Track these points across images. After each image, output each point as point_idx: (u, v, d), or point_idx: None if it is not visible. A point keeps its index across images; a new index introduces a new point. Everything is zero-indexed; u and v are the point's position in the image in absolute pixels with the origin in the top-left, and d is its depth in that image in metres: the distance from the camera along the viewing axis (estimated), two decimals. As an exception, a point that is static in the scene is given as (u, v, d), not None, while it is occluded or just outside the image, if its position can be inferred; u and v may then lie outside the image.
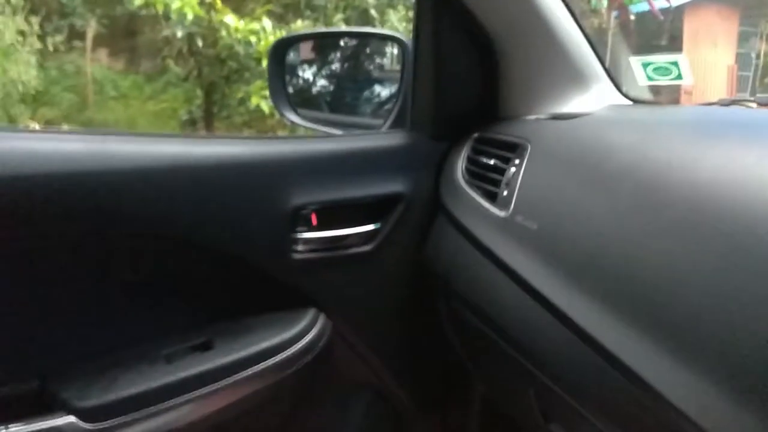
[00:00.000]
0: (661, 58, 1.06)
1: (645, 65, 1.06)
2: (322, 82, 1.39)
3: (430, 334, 1.18)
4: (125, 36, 7.23)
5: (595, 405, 0.74)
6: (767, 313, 0.50)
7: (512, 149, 0.96)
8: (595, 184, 0.77)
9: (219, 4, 5.03)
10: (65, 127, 5.76)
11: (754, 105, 0.94)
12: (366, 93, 1.30)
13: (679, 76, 1.02)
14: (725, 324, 0.53)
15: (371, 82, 1.31)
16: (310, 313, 1.04)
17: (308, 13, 6.20)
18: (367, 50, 1.35)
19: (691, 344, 0.57)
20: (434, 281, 1.12)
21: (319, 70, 1.40)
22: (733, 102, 1.00)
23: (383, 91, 1.26)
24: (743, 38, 8.64)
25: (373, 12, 6.07)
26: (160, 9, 4.74)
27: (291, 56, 1.41)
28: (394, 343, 1.20)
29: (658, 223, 0.64)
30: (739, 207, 0.56)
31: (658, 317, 0.60)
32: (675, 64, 1.04)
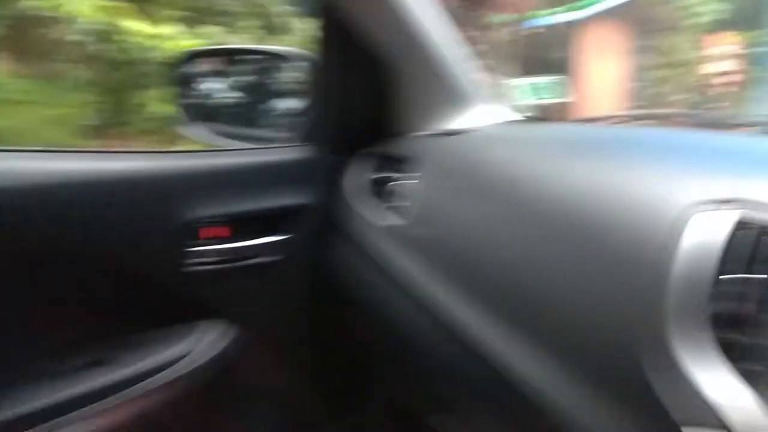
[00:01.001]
0: (544, 79, 1.14)
1: (528, 85, 1.14)
2: (228, 95, 1.39)
3: (337, 341, 1.22)
4: (20, 38, 6.83)
5: (486, 405, 0.80)
6: (621, 314, 0.57)
7: (405, 163, 1.02)
8: (478, 196, 0.83)
9: (123, 8, 4.88)
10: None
11: (633, 119, 1.04)
12: (271, 107, 1.32)
13: (559, 96, 1.11)
14: (588, 325, 0.60)
15: (277, 96, 1.33)
16: (215, 325, 1.05)
17: (217, 18, 6.11)
18: (275, 66, 1.37)
19: (556, 341, 0.63)
20: (337, 290, 1.16)
21: (226, 83, 1.40)
22: (612, 117, 1.10)
23: (289, 106, 1.29)
24: (638, 52, 9.22)
25: (278, 20, 6.05)
26: (58, 12, 4.55)
27: (197, 69, 1.42)
28: (301, 351, 1.22)
29: (528, 232, 0.71)
30: (594, 218, 0.62)
31: (530, 317, 0.67)
32: (556, 84, 1.12)
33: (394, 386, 1.21)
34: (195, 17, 6.07)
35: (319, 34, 1.13)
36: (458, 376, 0.83)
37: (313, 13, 1.13)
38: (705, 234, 0.51)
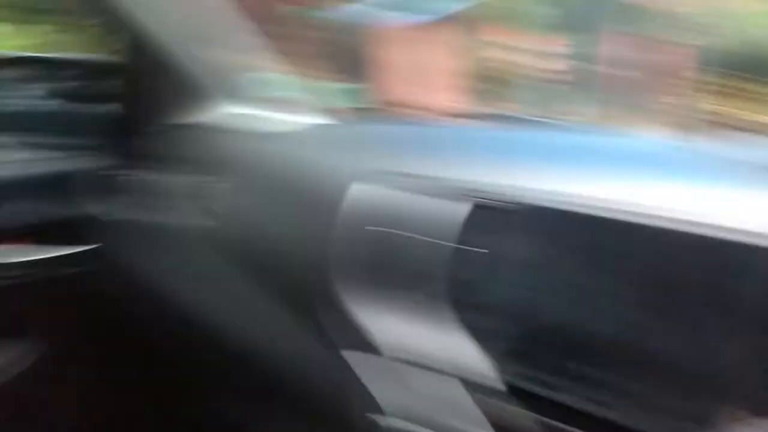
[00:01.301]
0: (346, 84, 1.21)
1: (331, 88, 1.19)
2: (22, 102, 1.32)
3: (147, 348, 1.20)
4: None
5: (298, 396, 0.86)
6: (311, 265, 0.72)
7: (207, 165, 1.03)
8: (274, 194, 0.90)
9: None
10: None
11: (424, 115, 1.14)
12: (70, 115, 1.27)
13: (359, 101, 1.17)
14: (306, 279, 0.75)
15: (74, 103, 1.28)
16: (16, 342, 1.01)
17: (51, 17, 5.71)
18: (77, 72, 1.33)
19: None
20: (144, 297, 1.14)
21: (23, 90, 1.33)
22: (401, 113, 1.20)
23: (89, 113, 1.25)
24: (465, 49, 9.69)
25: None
26: None
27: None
28: (110, 362, 1.19)
29: (304, 220, 0.81)
30: (312, 195, 0.78)
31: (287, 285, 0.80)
32: (357, 89, 1.19)
33: (206, 390, 1.22)
34: (22, 14, 5.63)
35: (108, 39, 1.12)
36: (258, 366, 0.88)
37: (101, 19, 1.11)
38: (367, 198, 0.68)
